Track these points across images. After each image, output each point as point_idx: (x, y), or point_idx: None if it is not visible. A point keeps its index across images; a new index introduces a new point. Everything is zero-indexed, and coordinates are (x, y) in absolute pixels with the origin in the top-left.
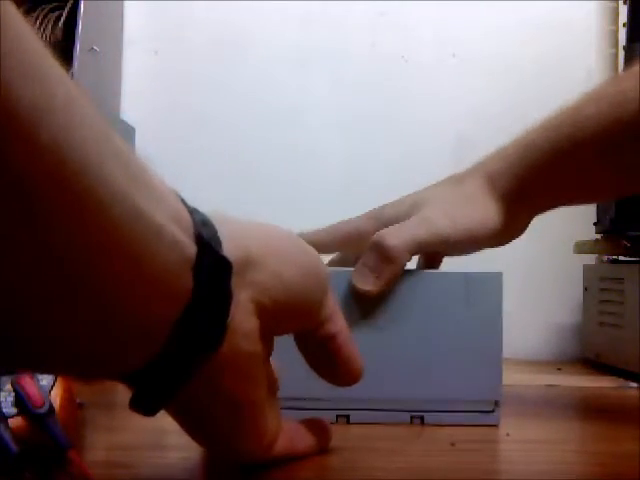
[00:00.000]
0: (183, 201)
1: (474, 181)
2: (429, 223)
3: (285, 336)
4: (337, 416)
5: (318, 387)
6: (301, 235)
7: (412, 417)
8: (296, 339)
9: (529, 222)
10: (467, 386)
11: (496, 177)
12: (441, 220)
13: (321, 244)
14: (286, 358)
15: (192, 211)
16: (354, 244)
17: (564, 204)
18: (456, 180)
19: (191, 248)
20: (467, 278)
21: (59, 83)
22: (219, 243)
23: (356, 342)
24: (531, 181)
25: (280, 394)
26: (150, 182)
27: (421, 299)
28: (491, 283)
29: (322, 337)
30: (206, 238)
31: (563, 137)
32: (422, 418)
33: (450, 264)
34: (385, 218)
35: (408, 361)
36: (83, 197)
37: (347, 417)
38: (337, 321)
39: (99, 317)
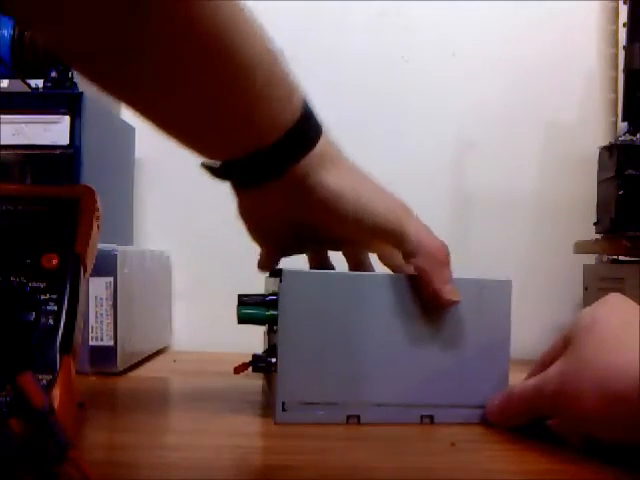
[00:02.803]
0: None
1: None
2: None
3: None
4: (347, 417)
5: (330, 389)
6: None
7: (422, 417)
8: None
9: None
10: (475, 390)
11: None
12: None
13: None
14: (295, 361)
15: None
16: None
17: None
18: None
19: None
20: (479, 284)
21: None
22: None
23: (367, 346)
24: None
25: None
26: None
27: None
28: (501, 290)
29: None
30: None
31: None
32: (432, 418)
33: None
34: None
35: (418, 365)
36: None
37: (358, 417)
38: (421, 257)
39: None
